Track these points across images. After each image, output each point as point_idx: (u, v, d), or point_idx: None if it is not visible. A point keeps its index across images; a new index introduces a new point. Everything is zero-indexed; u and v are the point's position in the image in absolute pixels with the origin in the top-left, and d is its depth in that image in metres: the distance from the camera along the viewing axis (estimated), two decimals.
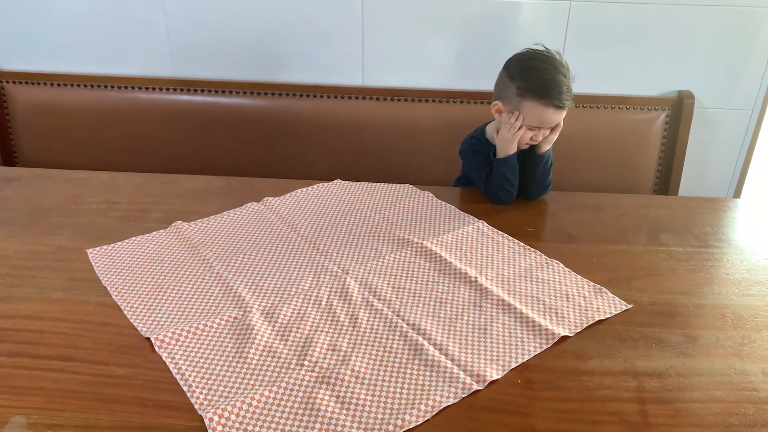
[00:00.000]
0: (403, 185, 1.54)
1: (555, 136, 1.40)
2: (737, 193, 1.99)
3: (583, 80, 1.83)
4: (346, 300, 1.10)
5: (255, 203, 1.43)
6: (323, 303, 1.09)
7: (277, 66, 1.87)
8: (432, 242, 1.27)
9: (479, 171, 1.47)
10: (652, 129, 1.85)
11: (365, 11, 1.79)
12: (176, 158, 1.91)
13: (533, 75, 1.33)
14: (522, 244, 1.28)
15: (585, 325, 1.05)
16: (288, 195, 1.48)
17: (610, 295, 1.13)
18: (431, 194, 1.48)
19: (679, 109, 1.82)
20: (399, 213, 1.41)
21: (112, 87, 1.89)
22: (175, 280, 1.15)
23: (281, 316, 1.05)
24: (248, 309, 1.06)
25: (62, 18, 1.87)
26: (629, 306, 1.10)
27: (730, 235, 1.36)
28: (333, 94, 1.86)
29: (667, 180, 1.89)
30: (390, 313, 1.06)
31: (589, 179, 1.88)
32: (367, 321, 1.04)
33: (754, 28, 1.75)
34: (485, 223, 1.35)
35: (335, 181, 1.56)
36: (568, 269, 1.20)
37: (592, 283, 1.16)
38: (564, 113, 1.36)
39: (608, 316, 1.07)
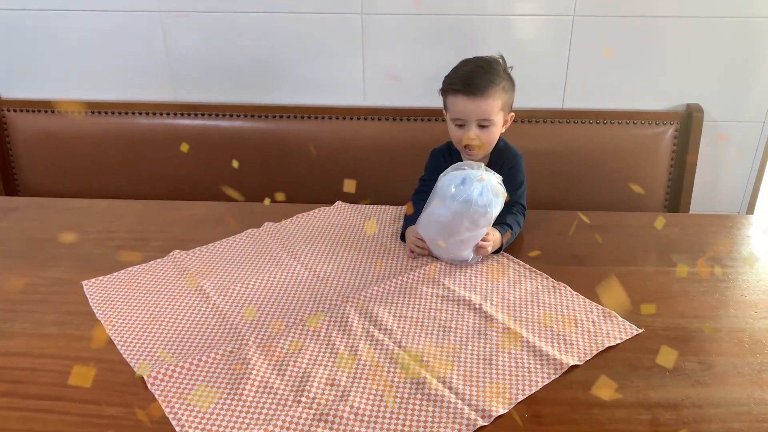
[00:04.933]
0: (402, 207, 1.51)
1: (489, 248, 1.25)
2: (750, 209, 1.94)
3: (588, 95, 1.81)
4: (346, 330, 1.06)
5: (255, 229, 1.40)
6: (322, 334, 1.06)
7: (277, 88, 1.86)
8: (434, 267, 1.24)
9: (429, 175, 1.41)
10: (660, 144, 1.81)
11: (365, 30, 1.77)
12: (178, 182, 1.89)
13: (451, 74, 1.34)
14: (527, 266, 1.24)
15: (594, 353, 1.00)
16: (288, 220, 1.45)
17: (620, 319, 1.09)
18: None
19: (688, 123, 1.78)
20: (394, 236, 1.38)
21: (113, 113, 1.87)
22: (171, 312, 1.12)
23: (278, 349, 1.02)
24: (244, 342, 1.03)
25: (62, 45, 1.86)
26: (640, 330, 1.06)
27: (745, 254, 1.31)
28: (334, 115, 1.84)
29: (677, 196, 1.84)
30: (391, 344, 1.03)
31: (595, 197, 1.84)
32: (368, 353, 1.01)
33: (764, 39, 1.71)
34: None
35: (336, 203, 1.53)
36: (575, 293, 1.16)
37: (600, 307, 1.12)
38: (487, 104, 1.27)
39: (618, 341, 1.03)
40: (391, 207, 1.51)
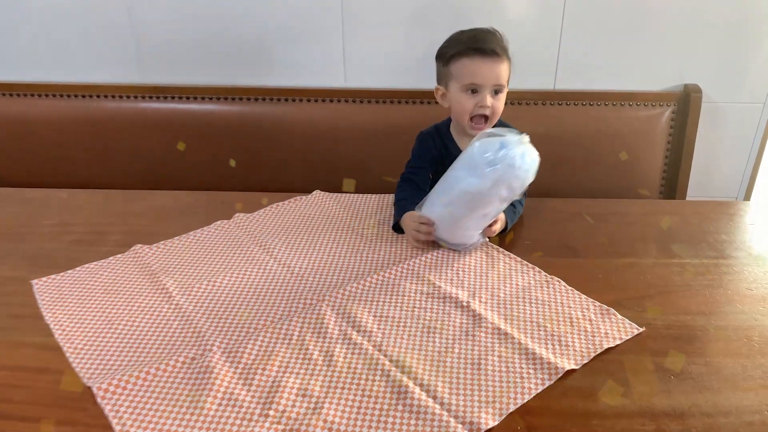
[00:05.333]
0: (387, 195, 1.41)
1: (498, 227, 1.19)
2: (748, 193, 1.86)
3: (581, 76, 1.71)
4: (321, 333, 0.97)
5: (225, 221, 1.30)
6: (294, 338, 0.96)
7: (252, 69, 1.75)
8: (418, 260, 1.15)
9: (418, 161, 1.33)
10: (657, 126, 1.72)
11: (345, 7, 1.66)
12: (147, 171, 1.78)
13: (452, 41, 1.25)
14: (519, 259, 1.15)
15: (592, 355, 0.92)
16: (261, 211, 1.35)
17: (619, 317, 1.00)
18: None
19: (685, 105, 1.69)
20: (382, 227, 1.28)
21: (75, 96, 1.75)
22: (129, 315, 1.02)
23: (245, 355, 0.92)
24: (208, 347, 0.93)
25: (16, 23, 1.73)
26: (641, 330, 0.97)
27: (749, 243, 1.23)
28: (313, 98, 1.73)
29: (674, 181, 1.76)
30: (370, 347, 0.93)
31: (589, 183, 1.75)
32: (344, 358, 0.91)
33: (765, 15, 1.62)
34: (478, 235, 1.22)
35: (314, 192, 1.43)
36: (570, 288, 1.07)
37: (598, 304, 1.03)
38: (501, 67, 1.20)
39: (618, 342, 0.95)
40: (374, 196, 1.41)
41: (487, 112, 1.22)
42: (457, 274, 1.11)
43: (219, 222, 1.30)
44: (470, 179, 1.08)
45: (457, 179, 1.11)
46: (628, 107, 1.71)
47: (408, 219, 1.21)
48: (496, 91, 1.22)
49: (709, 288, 1.09)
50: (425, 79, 1.71)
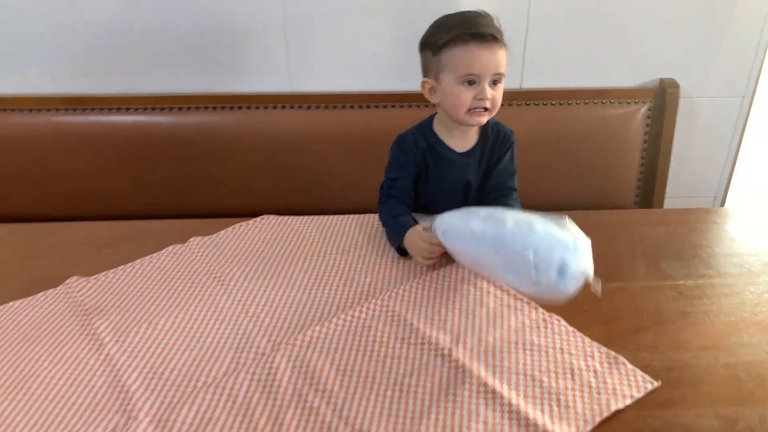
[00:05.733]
0: (345, 216, 1.24)
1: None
2: (726, 191, 1.75)
3: (549, 74, 1.57)
4: (272, 393, 0.80)
5: (179, 246, 1.15)
6: (239, 399, 0.79)
7: (184, 75, 1.55)
8: (391, 294, 0.98)
9: (400, 172, 1.19)
10: (632, 124, 1.59)
11: (286, 5, 1.48)
12: (65, 196, 1.57)
13: (440, 27, 1.10)
14: (512, 292, 0.98)
15: (597, 419, 0.76)
16: (221, 233, 1.20)
17: (629, 366, 0.84)
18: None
19: (662, 100, 1.56)
20: (344, 254, 1.12)
21: None
22: (48, 369, 0.85)
23: (177, 424, 0.75)
24: (134, 415, 0.76)
25: None
26: (656, 384, 0.81)
27: (747, 257, 1.09)
28: (255, 105, 1.55)
29: (651, 181, 1.63)
30: (329, 413, 0.77)
31: (561, 189, 1.61)
32: (296, 428, 0.74)
33: (743, 4, 1.50)
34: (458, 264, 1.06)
35: (262, 217, 1.25)
36: (572, 329, 0.91)
37: (604, 350, 0.87)
38: (500, 54, 1.07)
39: (629, 402, 0.79)
40: (336, 217, 1.24)
41: (488, 104, 1.09)
42: (440, 312, 0.95)
43: (171, 247, 1.14)
44: (509, 276, 0.96)
45: (489, 263, 0.98)
46: (601, 105, 1.57)
47: (416, 237, 1.06)
48: (495, 81, 1.09)
49: (709, 315, 0.95)
50: (382, 79, 1.56)
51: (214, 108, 1.54)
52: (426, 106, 1.52)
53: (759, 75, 1.60)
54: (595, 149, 1.59)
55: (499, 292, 0.99)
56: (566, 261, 0.86)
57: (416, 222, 1.12)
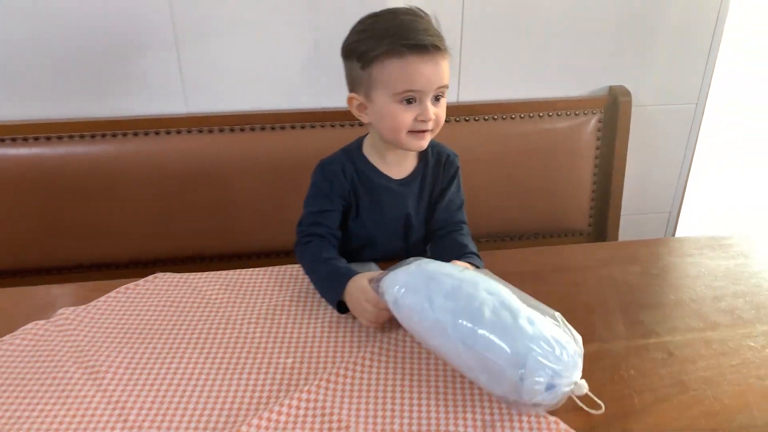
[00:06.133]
0: (260, 271, 1.00)
1: None
2: (681, 206, 1.61)
3: (489, 85, 1.38)
4: None
5: (42, 322, 0.86)
6: None
7: (53, 97, 1.26)
8: (320, 383, 0.75)
9: (324, 203, 0.98)
10: (582, 137, 1.42)
11: (175, 13, 1.22)
12: None
13: (369, 33, 0.89)
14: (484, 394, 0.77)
15: None
16: (93, 303, 0.91)
17: None
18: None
19: (613, 110, 1.40)
20: (259, 323, 0.87)
21: None
22: None
23: None
24: None
25: None
26: None
27: (734, 300, 0.92)
28: (144, 130, 1.28)
29: (606, 199, 1.46)
30: None
31: (507, 212, 1.42)
32: None
33: (693, 6, 1.36)
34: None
35: (153, 276, 0.99)
36: (552, 418, 0.70)
37: None
38: (443, 65, 0.88)
39: None
40: (249, 272, 0.99)
41: (431, 126, 0.91)
42: (386, 407, 0.72)
43: (31, 325, 0.86)
44: (481, 375, 0.71)
45: (455, 356, 0.73)
46: (548, 118, 1.39)
47: (359, 294, 0.83)
48: (438, 96, 0.91)
49: (711, 385, 0.76)
50: (296, 96, 1.32)
51: (92, 136, 1.26)
52: (353, 125, 1.31)
53: (711, 81, 1.47)
54: (543, 167, 1.41)
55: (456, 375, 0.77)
56: (559, 376, 0.67)
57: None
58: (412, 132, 0.91)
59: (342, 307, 0.87)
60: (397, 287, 0.77)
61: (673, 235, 1.63)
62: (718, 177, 1.64)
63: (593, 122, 1.41)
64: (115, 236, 1.30)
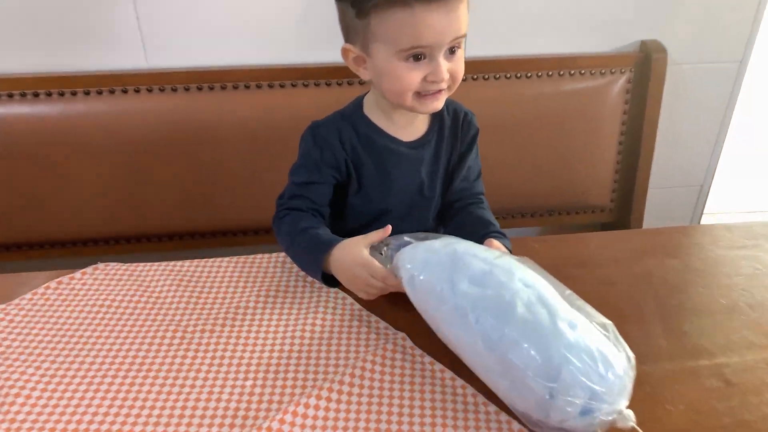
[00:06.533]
0: (224, 260, 0.83)
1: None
2: (713, 178, 1.43)
3: (501, 38, 1.18)
4: None
5: None
6: None
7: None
8: (298, 408, 0.59)
9: (313, 174, 0.82)
10: (607, 100, 1.23)
11: None
12: None
13: None
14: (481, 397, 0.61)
15: None
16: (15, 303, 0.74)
17: None
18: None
19: (645, 69, 1.20)
20: (219, 330, 0.71)
21: None
22: None
23: None
24: None
25: None
26: None
27: None
28: (98, 89, 1.09)
29: (632, 171, 1.29)
30: None
31: (518, 185, 1.25)
32: None
33: None
34: (406, 338, 0.69)
35: (93, 267, 0.82)
36: None
37: None
38: (459, 10, 0.71)
39: None
40: (211, 262, 0.83)
41: (444, 85, 0.75)
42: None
43: None
44: (502, 382, 0.58)
45: (474, 357, 0.61)
46: (568, 77, 1.20)
47: (356, 260, 0.72)
48: (453, 48, 0.73)
49: None
50: (275, 49, 1.13)
51: (35, 95, 1.08)
52: (351, 83, 1.13)
53: (757, 36, 1.27)
54: (560, 133, 1.23)
55: (461, 388, 0.62)
56: (599, 400, 0.53)
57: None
58: (421, 94, 0.74)
59: (329, 280, 0.74)
60: (417, 264, 0.65)
61: (702, 212, 1.45)
62: (756, 148, 1.45)
63: (621, 82, 1.21)
64: (67, 211, 1.13)
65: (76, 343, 0.69)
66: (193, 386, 0.63)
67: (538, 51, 1.20)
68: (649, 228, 1.22)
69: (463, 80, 0.80)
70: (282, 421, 0.58)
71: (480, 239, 0.72)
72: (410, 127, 0.83)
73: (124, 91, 1.09)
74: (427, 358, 0.66)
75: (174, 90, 1.10)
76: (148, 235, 1.19)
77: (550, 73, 1.18)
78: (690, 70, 1.26)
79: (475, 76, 1.16)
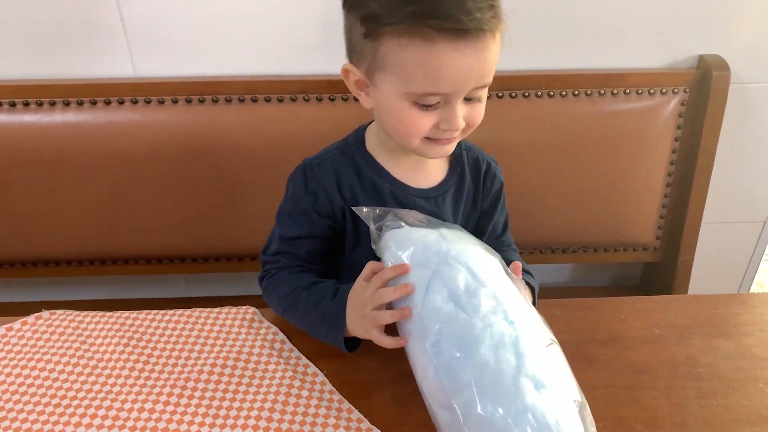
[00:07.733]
0: (186, 313, 0.73)
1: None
2: None
3: (536, 50, 1.03)
4: None
5: None
6: None
7: None
8: None
9: (300, 226, 0.70)
10: (656, 125, 1.06)
11: None
12: None
13: None
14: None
15: None
16: None
17: None
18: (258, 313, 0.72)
19: (703, 88, 1.03)
20: (173, 388, 0.61)
21: None
22: None
23: None
24: None
25: None
26: None
27: None
28: (78, 99, 0.99)
29: (682, 207, 1.12)
30: None
31: (553, 219, 1.10)
32: None
33: None
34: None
35: (35, 316, 0.72)
36: None
37: None
38: (488, 53, 0.58)
39: None
40: (175, 314, 0.73)
41: (457, 134, 0.64)
42: None
43: None
44: (444, 415, 0.52)
45: (425, 380, 0.54)
46: (610, 97, 1.04)
47: (356, 291, 0.62)
48: (471, 98, 0.62)
49: None
50: (281, 60, 1.01)
51: (12, 104, 0.98)
52: (357, 99, 0.99)
53: None
54: (600, 161, 1.08)
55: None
56: None
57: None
58: (429, 139, 0.63)
59: (351, 345, 0.65)
60: (403, 251, 0.57)
61: (765, 250, 1.26)
62: None
63: (673, 104, 1.05)
64: (49, 230, 1.04)
65: (8, 400, 0.59)
66: None
67: (576, 65, 1.04)
68: (697, 295, 1.04)
69: (488, 98, 0.66)
70: None
71: None
72: (421, 171, 0.71)
73: (107, 102, 0.99)
74: None
75: (161, 102, 1.00)
76: (136, 257, 1.10)
77: (589, 91, 1.02)
78: (755, 90, 1.08)
79: (501, 94, 1.01)
